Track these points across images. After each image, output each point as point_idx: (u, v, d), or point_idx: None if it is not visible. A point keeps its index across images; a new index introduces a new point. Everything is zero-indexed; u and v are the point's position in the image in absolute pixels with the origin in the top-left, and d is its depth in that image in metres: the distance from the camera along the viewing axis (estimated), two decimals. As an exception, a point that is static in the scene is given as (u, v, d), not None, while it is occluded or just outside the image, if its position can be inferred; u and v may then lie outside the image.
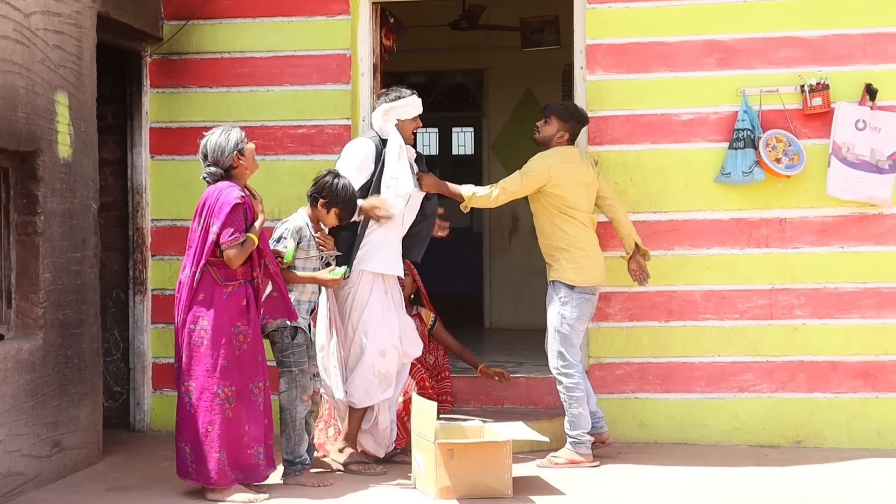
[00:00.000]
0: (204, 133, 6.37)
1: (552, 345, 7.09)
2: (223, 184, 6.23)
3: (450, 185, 7.20)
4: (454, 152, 15.35)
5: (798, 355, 7.59)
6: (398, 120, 6.90)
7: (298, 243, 6.50)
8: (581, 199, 7.15)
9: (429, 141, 14.91)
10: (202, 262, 6.15)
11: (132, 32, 7.89)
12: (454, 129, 14.86)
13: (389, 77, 8.68)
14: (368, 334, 6.75)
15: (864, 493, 6.46)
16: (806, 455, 7.33)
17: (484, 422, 6.97)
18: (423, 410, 6.38)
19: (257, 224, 6.25)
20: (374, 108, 7.03)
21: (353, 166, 6.79)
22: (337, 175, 6.60)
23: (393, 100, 6.91)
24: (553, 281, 7.11)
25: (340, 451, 6.90)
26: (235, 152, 6.24)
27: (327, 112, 7.98)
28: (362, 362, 6.73)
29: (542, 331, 10.50)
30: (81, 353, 6.91)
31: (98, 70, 7.22)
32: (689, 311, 7.68)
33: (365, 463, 6.84)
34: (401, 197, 6.81)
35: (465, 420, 7.20)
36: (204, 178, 6.30)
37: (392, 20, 8.44)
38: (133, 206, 8.14)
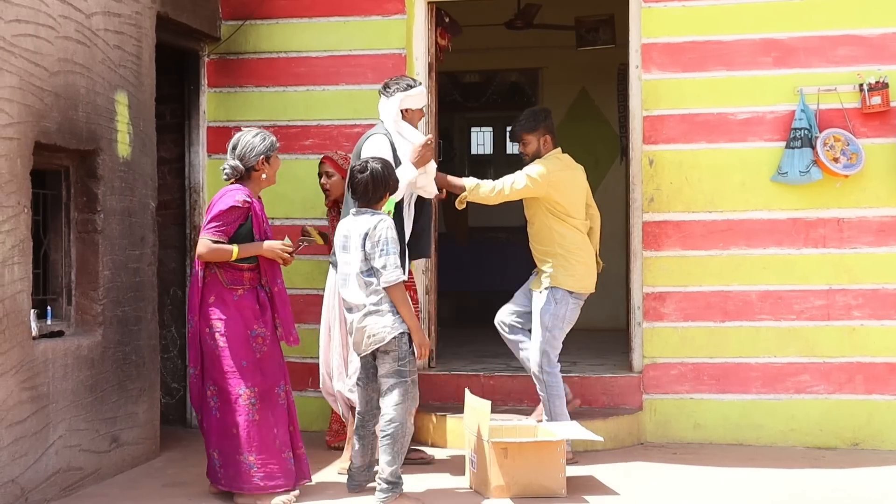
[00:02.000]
0: (242, 128, 6.38)
1: (539, 345, 7.08)
2: (234, 186, 6.22)
3: (449, 177, 7.10)
4: (508, 151, 15.38)
5: (856, 356, 7.52)
6: (407, 109, 6.80)
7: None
8: (577, 205, 7.18)
9: (483, 140, 14.94)
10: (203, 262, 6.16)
11: (190, 32, 7.97)
12: (508, 129, 14.90)
13: (444, 76, 8.70)
14: None
15: (922, 496, 6.39)
16: (864, 457, 7.26)
17: (537, 421, 6.97)
18: (477, 409, 6.39)
19: (265, 245, 6.16)
20: (382, 99, 6.81)
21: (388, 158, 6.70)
22: (371, 161, 6.17)
23: (405, 88, 6.77)
24: (550, 287, 7.08)
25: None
26: (263, 156, 6.24)
27: (383, 112, 8.01)
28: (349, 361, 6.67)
29: (595, 330, 10.54)
30: (139, 349, 6.99)
31: (157, 70, 7.30)
32: (745, 312, 7.63)
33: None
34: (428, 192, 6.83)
35: (519, 419, 7.21)
36: (223, 169, 6.27)
37: (447, 20, 8.46)
38: (190, 204, 8.22)
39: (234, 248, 6.10)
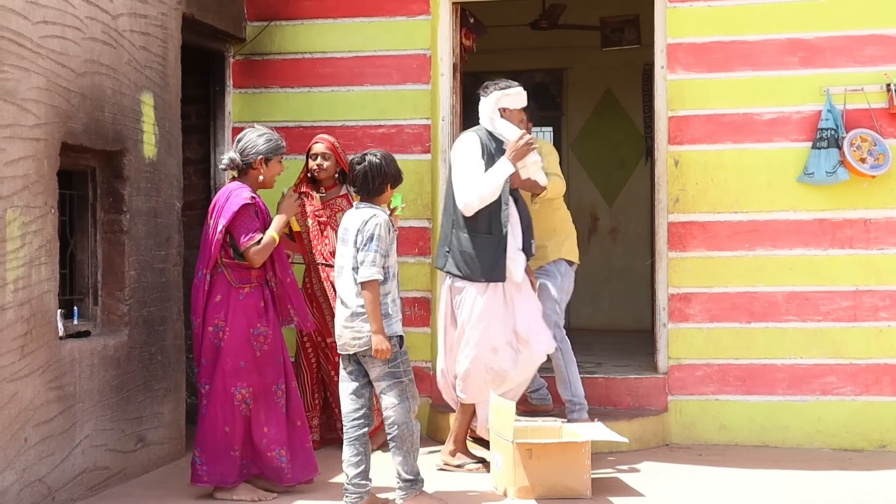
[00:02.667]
0: (255, 125, 6.49)
1: (552, 318, 7.13)
2: (234, 184, 6.26)
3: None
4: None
5: (883, 358, 7.46)
6: (505, 109, 6.77)
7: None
8: None
9: (508, 141, 15.05)
10: (212, 262, 6.18)
11: (216, 33, 7.99)
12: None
13: (469, 77, 8.69)
14: (480, 331, 6.64)
15: (950, 498, 6.34)
16: (891, 459, 7.20)
17: (563, 422, 6.96)
18: (502, 410, 6.38)
19: (280, 223, 6.29)
20: (481, 99, 6.81)
21: (476, 157, 6.64)
22: (370, 155, 6.05)
23: (503, 88, 6.76)
24: (555, 260, 7.25)
25: (452, 453, 6.89)
26: (262, 157, 6.25)
27: (407, 112, 8.02)
28: (475, 360, 6.65)
29: (620, 331, 10.52)
30: (165, 349, 7.01)
31: (182, 70, 7.31)
32: (771, 313, 7.59)
33: (484, 462, 6.82)
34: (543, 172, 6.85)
35: (543, 420, 7.19)
36: (221, 159, 6.37)
37: (472, 20, 8.44)
38: (215, 205, 8.22)
39: (273, 235, 6.19)
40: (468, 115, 9.18)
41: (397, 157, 7.68)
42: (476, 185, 6.56)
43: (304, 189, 7.40)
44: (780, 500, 6.24)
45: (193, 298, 6.25)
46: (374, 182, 6.03)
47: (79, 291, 6.53)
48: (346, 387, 6.04)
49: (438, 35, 8.06)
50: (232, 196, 6.18)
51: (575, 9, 11.45)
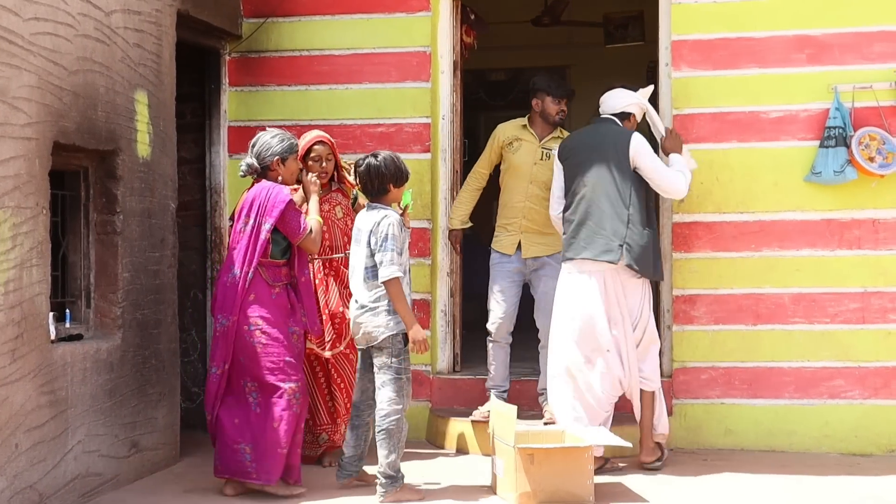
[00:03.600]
0: (265, 128, 6.56)
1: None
2: (267, 183, 6.34)
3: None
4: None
5: (892, 361, 7.37)
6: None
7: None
8: None
9: (509, 139, 14.97)
10: (255, 261, 6.23)
11: (211, 30, 7.91)
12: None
13: (469, 75, 8.61)
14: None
15: (962, 505, 6.25)
16: (900, 464, 7.13)
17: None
18: (503, 414, 6.30)
19: (316, 206, 6.51)
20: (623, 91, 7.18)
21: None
22: (369, 157, 6.24)
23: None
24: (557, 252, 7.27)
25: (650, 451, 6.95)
26: (278, 158, 6.35)
27: (406, 110, 7.93)
28: (654, 348, 6.86)
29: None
30: (159, 353, 6.93)
31: (177, 68, 7.23)
32: (778, 315, 7.49)
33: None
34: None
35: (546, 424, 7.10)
36: (240, 166, 6.42)
37: (473, 17, 8.38)
38: (211, 205, 8.15)
39: (318, 219, 6.46)
40: (469, 114, 9.10)
41: (397, 155, 7.60)
42: (684, 176, 6.90)
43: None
44: (787, 507, 6.17)
45: (224, 296, 6.28)
46: (374, 184, 6.23)
47: (71, 294, 6.45)
48: (360, 384, 6.37)
49: (439, 32, 7.99)
50: (272, 194, 6.27)
51: (578, 5, 11.38)
